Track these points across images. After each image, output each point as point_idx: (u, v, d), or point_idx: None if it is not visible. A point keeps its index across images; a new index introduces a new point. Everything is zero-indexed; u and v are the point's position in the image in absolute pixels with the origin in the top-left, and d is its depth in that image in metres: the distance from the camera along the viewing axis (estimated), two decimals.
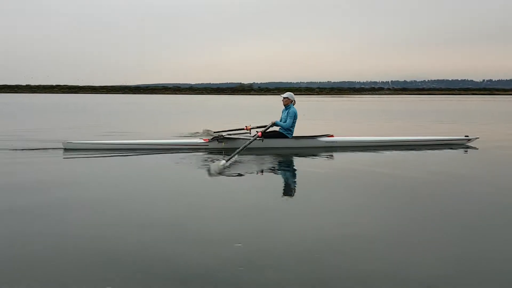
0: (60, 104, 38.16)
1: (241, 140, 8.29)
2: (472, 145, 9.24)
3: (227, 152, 7.89)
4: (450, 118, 20.81)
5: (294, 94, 8.86)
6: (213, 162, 6.69)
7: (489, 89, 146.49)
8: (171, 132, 11.52)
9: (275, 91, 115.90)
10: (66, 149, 8.19)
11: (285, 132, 8.52)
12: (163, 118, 19.96)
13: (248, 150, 7.81)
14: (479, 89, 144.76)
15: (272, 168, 6.81)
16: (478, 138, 9.53)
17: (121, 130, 12.54)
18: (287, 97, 8.62)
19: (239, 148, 7.48)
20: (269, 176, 6.32)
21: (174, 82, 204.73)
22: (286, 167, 7.07)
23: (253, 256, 3.13)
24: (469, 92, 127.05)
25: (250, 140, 7.78)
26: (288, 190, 5.53)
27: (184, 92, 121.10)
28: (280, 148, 8.45)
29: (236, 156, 7.12)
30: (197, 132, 10.87)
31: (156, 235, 3.56)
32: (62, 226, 3.78)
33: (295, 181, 6.11)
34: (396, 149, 8.70)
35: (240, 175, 6.14)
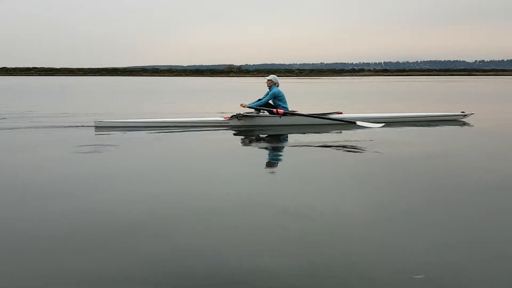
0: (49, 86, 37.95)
1: (260, 117, 9.19)
2: (467, 121, 10.21)
3: (247, 129, 8.86)
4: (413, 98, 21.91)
5: (267, 77, 9.63)
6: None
7: (481, 70, 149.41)
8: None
9: (254, 72, 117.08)
10: (97, 127, 9.02)
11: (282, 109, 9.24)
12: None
13: (264, 126, 9.13)
14: (469, 70, 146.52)
15: (279, 147, 7.67)
16: (473, 114, 10.51)
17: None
18: (270, 79, 9.47)
19: (260, 124, 8.97)
20: (275, 157, 6.70)
21: (166, 64, 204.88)
22: (294, 146, 7.64)
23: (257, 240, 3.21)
24: (458, 73, 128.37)
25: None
26: (291, 173, 5.51)
27: (162, 74, 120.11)
28: (292, 125, 9.26)
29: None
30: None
31: (169, 208, 3.89)
32: (81, 202, 4.07)
33: (297, 163, 6.12)
34: (394, 126, 9.46)
35: (259, 152, 6.91)
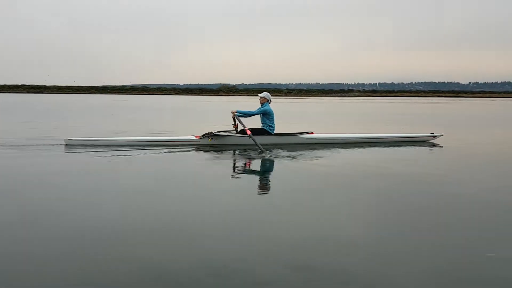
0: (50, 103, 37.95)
1: (230, 137, 9.46)
2: (437, 142, 10.51)
3: (216, 149, 9.07)
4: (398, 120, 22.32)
5: (259, 94, 10.03)
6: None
7: (469, 92, 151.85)
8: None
9: (243, 91, 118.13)
10: (67, 145, 9.12)
11: (267, 128, 9.64)
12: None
13: (234, 145, 9.32)
14: (457, 92, 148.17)
15: (252, 165, 7.75)
16: (442, 135, 10.81)
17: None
18: (263, 97, 9.87)
19: (231, 144, 9.25)
20: (249, 173, 7.11)
21: (162, 82, 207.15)
22: (266, 164, 7.76)
23: (234, 256, 3.36)
24: (447, 94, 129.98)
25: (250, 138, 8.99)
26: (264, 188, 5.94)
27: (152, 92, 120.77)
28: (264, 144, 9.43)
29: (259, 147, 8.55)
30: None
31: (140, 227, 4.01)
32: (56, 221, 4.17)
33: (271, 179, 6.64)
34: (363, 146, 9.77)
35: (225, 172, 7.01)
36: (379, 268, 3.18)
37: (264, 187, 6.02)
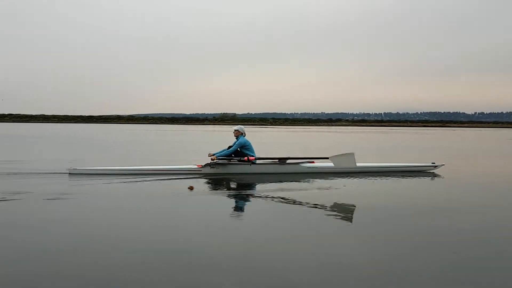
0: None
1: (233, 165, 9.66)
2: (438, 172, 10.75)
3: (219, 177, 9.29)
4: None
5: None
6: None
7: (477, 122, 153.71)
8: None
9: (230, 121, 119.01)
10: (71, 174, 9.36)
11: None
12: None
13: (235, 174, 9.61)
14: (461, 122, 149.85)
15: (250, 193, 7.93)
16: (443, 165, 11.08)
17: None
18: (237, 130, 10.20)
19: (232, 173, 9.41)
20: (248, 201, 7.24)
21: (165, 112, 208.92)
22: (264, 193, 7.85)
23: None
24: (450, 124, 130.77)
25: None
26: (264, 218, 5.95)
27: (137, 121, 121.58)
28: (264, 174, 9.69)
29: None
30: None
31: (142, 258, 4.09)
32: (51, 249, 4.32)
33: (271, 209, 6.60)
34: (364, 176, 9.98)
35: (222, 202, 7.09)
36: None
37: (264, 216, 6.01)
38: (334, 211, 6.33)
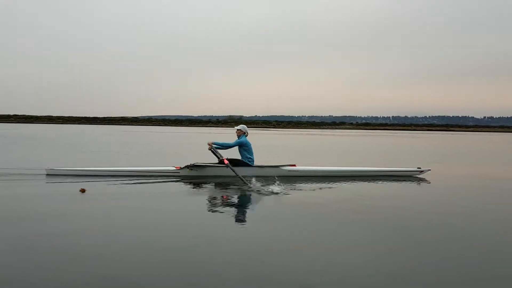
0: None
1: (211, 168, 9.56)
2: (424, 177, 10.56)
3: (197, 180, 9.14)
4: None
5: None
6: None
7: (484, 126, 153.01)
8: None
9: (232, 123, 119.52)
10: (48, 175, 9.25)
11: (246, 160, 9.79)
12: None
13: (215, 177, 9.42)
14: (466, 126, 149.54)
15: (230, 197, 7.70)
16: (430, 170, 10.89)
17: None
18: (239, 129, 10.12)
19: (211, 175, 9.43)
20: (227, 205, 6.99)
21: (172, 114, 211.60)
22: (244, 196, 7.75)
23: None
24: (459, 129, 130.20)
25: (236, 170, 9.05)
26: (242, 220, 5.94)
27: (141, 123, 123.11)
28: (244, 176, 9.40)
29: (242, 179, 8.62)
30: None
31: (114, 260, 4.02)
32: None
33: (249, 212, 6.71)
34: (347, 180, 9.82)
35: (202, 204, 6.98)
36: None
37: (242, 219, 5.98)
38: (315, 214, 6.22)
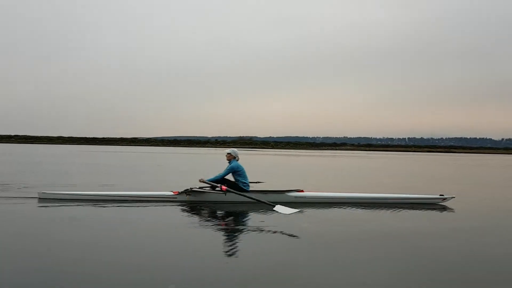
0: None
1: (208, 193, 9.00)
2: (447, 205, 9.56)
3: (194, 205, 8.77)
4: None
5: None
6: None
7: (503, 149, 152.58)
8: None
9: (230, 143, 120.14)
10: (40, 199, 8.91)
11: (240, 185, 9.19)
12: None
13: (213, 203, 8.98)
14: (478, 148, 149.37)
15: (227, 223, 7.34)
16: (454, 197, 9.88)
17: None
18: (229, 153, 9.59)
19: (208, 201, 9.00)
20: (227, 231, 6.67)
21: (191, 135, 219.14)
22: (245, 224, 7.39)
23: None
24: (476, 151, 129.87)
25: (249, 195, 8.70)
26: (240, 248, 5.56)
27: (139, 144, 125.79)
28: (246, 203, 8.71)
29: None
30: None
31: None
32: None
33: (249, 239, 6.16)
34: (366, 207, 8.97)
35: (203, 228, 6.70)
36: None
37: (241, 249, 5.50)
38: (324, 241, 5.89)
